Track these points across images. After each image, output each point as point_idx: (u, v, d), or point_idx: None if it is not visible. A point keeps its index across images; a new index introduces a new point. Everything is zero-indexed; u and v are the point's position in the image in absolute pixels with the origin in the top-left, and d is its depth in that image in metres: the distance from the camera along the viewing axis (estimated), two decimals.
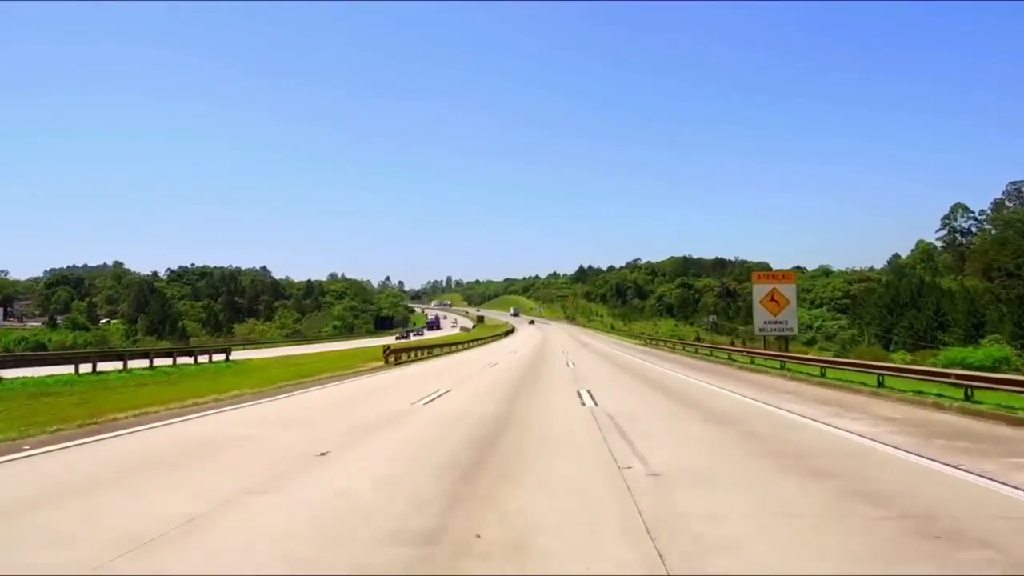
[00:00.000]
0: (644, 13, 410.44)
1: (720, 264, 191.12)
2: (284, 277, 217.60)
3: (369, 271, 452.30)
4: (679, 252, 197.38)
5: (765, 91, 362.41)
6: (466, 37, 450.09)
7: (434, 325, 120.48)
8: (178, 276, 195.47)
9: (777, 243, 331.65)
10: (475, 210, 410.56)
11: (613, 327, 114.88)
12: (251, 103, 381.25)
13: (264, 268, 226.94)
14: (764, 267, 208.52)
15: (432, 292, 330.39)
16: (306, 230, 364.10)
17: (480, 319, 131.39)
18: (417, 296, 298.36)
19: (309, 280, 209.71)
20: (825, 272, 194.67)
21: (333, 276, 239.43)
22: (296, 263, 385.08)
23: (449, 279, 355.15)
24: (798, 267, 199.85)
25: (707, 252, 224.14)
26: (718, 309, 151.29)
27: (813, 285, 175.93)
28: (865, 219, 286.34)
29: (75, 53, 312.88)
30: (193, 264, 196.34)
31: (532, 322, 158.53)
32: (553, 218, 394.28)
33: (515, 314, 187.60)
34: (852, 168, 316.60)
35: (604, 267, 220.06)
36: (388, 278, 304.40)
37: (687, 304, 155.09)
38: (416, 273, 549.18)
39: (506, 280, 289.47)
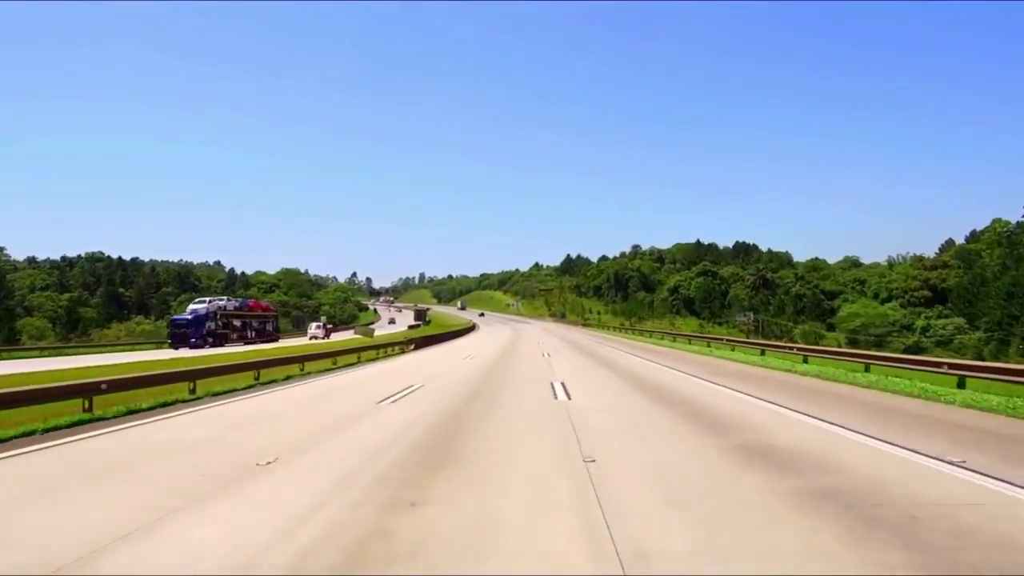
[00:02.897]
0: (623, 12, 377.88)
1: (743, 250, 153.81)
2: (204, 265, 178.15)
3: (338, 268, 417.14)
4: (683, 239, 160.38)
5: (758, 91, 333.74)
6: (445, 38, 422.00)
7: (184, 330, 48.78)
8: (69, 264, 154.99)
9: (778, 236, 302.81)
10: (451, 206, 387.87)
11: (625, 327, 75.62)
12: (226, 102, 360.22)
13: (218, 263, 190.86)
14: (786, 258, 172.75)
15: (403, 289, 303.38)
16: (276, 228, 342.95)
17: (421, 315, 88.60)
18: (377, 292, 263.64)
19: (231, 270, 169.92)
20: (854, 263, 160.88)
21: (297, 272, 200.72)
22: (266, 262, 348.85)
23: (422, 275, 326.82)
24: (816, 258, 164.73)
25: (716, 238, 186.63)
26: (755, 304, 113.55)
27: (865, 276, 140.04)
28: (856, 215, 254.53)
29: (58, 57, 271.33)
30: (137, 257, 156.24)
31: (482, 315, 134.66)
32: (533, 214, 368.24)
33: (462, 308, 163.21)
34: (842, 168, 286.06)
35: (594, 259, 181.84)
36: (355, 274, 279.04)
37: (712, 297, 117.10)
38: (389, 271, 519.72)
39: (481, 275, 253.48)
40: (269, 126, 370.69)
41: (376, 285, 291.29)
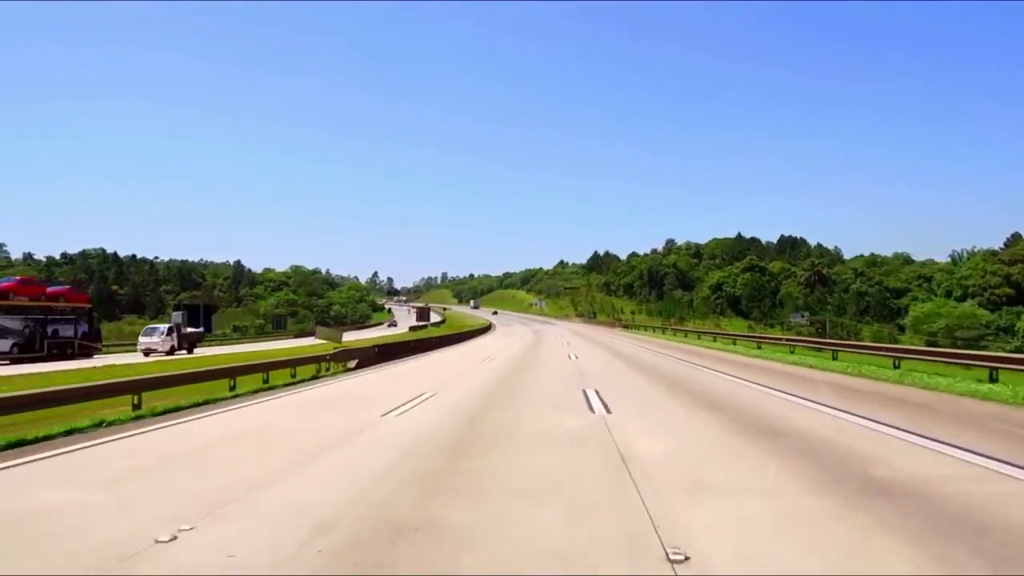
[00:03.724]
0: (642, 15, 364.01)
1: (789, 245, 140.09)
2: (225, 265, 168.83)
3: (361, 269, 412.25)
4: (719, 234, 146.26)
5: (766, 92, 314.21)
6: (467, 40, 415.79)
7: None
8: (69, 261, 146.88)
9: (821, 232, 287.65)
10: (474, 207, 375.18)
11: (668, 328, 62.34)
12: (246, 103, 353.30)
13: (238, 262, 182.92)
14: (836, 254, 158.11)
15: (425, 289, 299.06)
16: (299, 230, 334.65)
17: (425, 315, 69.77)
18: (396, 292, 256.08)
19: (238, 265, 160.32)
20: (906, 260, 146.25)
21: (317, 272, 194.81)
22: (288, 263, 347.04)
23: (444, 275, 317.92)
24: (875, 254, 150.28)
25: (757, 233, 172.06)
26: (810, 303, 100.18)
27: (927, 272, 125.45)
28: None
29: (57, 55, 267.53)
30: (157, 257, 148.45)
31: (495, 313, 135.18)
32: (558, 214, 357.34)
33: (475, 307, 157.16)
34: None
35: (623, 256, 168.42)
36: (376, 274, 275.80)
37: (762, 296, 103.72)
38: (412, 271, 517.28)
39: (504, 274, 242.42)
40: (293, 128, 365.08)
41: (398, 285, 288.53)
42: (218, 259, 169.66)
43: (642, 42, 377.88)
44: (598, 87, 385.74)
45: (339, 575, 3.45)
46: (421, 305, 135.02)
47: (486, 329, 64.00)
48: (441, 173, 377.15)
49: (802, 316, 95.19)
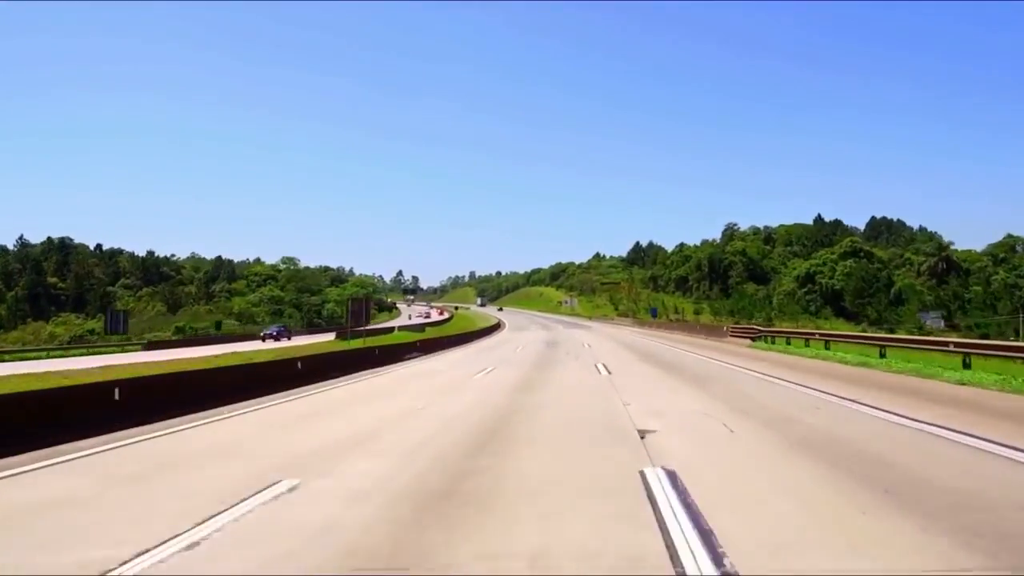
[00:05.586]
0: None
1: (884, 228, 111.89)
2: (191, 255, 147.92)
3: (387, 268, 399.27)
4: (785, 220, 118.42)
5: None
6: (496, 38, 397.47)
7: None
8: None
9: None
10: (502, 206, 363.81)
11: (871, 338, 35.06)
12: (270, 101, 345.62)
13: (258, 259, 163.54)
14: (939, 241, 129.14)
15: (452, 287, 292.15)
16: (327, 228, 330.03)
17: (360, 314, 39.37)
18: (412, 291, 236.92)
19: (219, 257, 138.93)
20: (1012, 247, 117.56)
21: (340, 270, 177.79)
22: (314, 261, 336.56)
23: (472, 273, 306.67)
24: (1010, 235, 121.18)
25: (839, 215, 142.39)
26: (943, 298, 73.06)
27: None
28: None
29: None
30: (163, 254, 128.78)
31: (500, 309, 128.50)
32: (592, 211, 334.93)
33: (481, 304, 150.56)
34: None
35: (669, 248, 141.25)
36: (400, 272, 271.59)
37: (873, 290, 76.47)
38: (440, 270, 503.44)
39: (531, 270, 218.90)
40: (319, 126, 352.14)
41: (424, 285, 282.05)
42: (237, 257, 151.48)
43: (678, 42, 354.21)
44: (628, 85, 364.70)
45: None
46: (372, 299, 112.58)
47: (465, 339, 38.95)
48: (471, 172, 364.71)
49: (935, 316, 68.43)
